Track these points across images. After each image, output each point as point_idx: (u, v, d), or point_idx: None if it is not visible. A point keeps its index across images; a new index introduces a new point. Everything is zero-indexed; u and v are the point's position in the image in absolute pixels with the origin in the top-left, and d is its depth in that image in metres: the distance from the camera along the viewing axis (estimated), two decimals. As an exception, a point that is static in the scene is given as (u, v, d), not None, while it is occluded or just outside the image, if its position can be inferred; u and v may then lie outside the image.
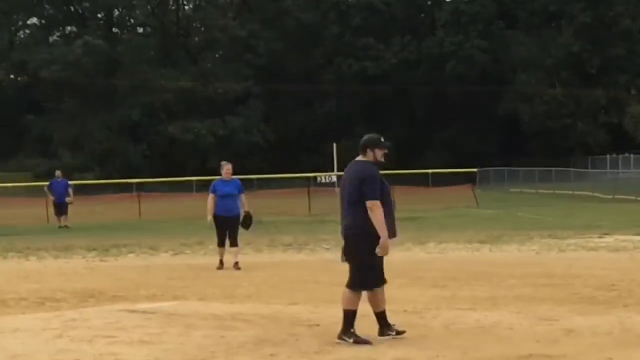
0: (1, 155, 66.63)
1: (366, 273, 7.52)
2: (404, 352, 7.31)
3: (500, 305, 9.76)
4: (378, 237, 7.20)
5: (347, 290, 7.52)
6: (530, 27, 65.54)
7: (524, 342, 7.87)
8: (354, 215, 7.42)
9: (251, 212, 15.61)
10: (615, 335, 8.26)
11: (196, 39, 74.42)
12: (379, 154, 7.37)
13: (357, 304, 7.59)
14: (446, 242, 19.34)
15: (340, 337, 7.47)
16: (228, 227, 15.15)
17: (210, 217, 15.02)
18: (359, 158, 7.49)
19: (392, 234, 7.53)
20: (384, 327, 7.70)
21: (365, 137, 7.56)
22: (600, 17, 61.10)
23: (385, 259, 7.65)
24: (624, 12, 60.84)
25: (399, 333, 7.74)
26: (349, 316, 7.54)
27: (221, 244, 15.42)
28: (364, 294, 7.64)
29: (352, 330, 7.50)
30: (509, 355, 7.33)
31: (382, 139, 7.56)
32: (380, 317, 7.73)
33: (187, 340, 8.25)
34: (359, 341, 7.43)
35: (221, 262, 15.35)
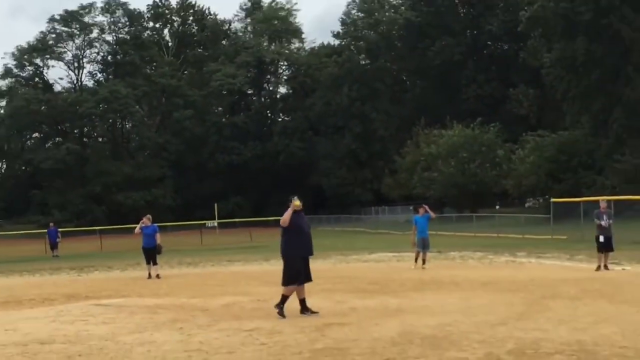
0: (17, 214, 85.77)
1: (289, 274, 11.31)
2: (261, 323, 10.74)
3: (312, 294, 12.64)
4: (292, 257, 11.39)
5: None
6: (327, 134, 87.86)
7: (327, 316, 11.33)
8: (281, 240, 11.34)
9: (161, 244, 21.12)
10: (379, 310, 12.01)
11: (133, 144, 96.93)
12: (291, 205, 11.39)
13: (290, 293, 11.39)
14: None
15: (276, 306, 11.46)
16: (151, 253, 20.82)
17: (137, 230, 21.22)
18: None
19: (309, 252, 11.68)
20: (304, 308, 11.41)
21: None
22: (366, 128, 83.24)
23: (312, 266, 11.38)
24: (380, 125, 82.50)
25: (313, 313, 11.39)
26: (284, 299, 11.36)
27: (148, 263, 20.95)
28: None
29: (282, 306, 11.33)
30: (317, 323, 10.65)
31: (292, 198, 11.61)
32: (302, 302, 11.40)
33: (131, 321, 11.39)
34: (280, 314, 11.28)
35: (149, 274, 20.66)
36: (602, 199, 22.01)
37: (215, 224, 62.99)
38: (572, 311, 11.99)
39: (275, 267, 21.58)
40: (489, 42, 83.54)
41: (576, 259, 23.82)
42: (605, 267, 20.15)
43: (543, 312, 11.97)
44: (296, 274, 11.71)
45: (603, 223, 20.33)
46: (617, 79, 50.59)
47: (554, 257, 25.10)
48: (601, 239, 20.07)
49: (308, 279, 11.91)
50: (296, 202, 11.56)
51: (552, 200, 42.29)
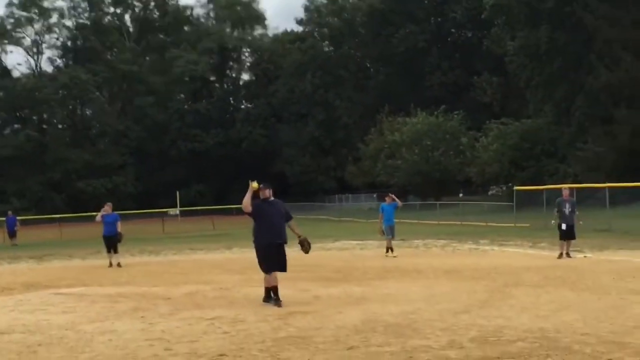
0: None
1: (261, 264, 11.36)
2: (224, 311, 10.86)
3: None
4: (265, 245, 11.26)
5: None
6: (290, 121, 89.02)
7: (291, 304, 11.30)
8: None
9: (122, 232, 21.42)
10: (343, 299, 12.09)
11: (93, 131, 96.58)
12: (260, 194, 11.28)
13: (269, 282, 11.45)
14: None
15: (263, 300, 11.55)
16: (112, 241, 21.27)
17: (98, 218, 21.53)
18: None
19: (277, 239, 11.56)
20: (267, 297, 11.68)
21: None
22: (330, 116, 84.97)
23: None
24: (343, 113, 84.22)
25: (277, 302, 11.44)
26: (267, 290, 11.53)
27: (109, 251, 21.37)
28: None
29: (275, 297, 11.56)
30: (280, 312, 10.73)
31: (261, 185, 11.30)
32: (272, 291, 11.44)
33: (91, 309, 11.54)
34: (276, 304, 11.42)
35: (110, 262, 21.08)
36: (565, 187, 22.22)
37: (177, 212, 62.46)
38: (535, 299, 12.14)
39: (238, 255, 23.10)
40: (453, 30, 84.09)
41: (539, 246, 24.09)
42: (568, 254, 20.41)
43: (506, 299, 12.10)
44: (265, 264, 11.75)
45: (559, 213, 20.59)
46: (579, 67, 51.32)
47: (517, 244, 25.38)
48: (563, 226, 20.32)
49: (281, 268, 11.86)
50: (253, 184, 11.32)
51: (515, 188, 42.93)
